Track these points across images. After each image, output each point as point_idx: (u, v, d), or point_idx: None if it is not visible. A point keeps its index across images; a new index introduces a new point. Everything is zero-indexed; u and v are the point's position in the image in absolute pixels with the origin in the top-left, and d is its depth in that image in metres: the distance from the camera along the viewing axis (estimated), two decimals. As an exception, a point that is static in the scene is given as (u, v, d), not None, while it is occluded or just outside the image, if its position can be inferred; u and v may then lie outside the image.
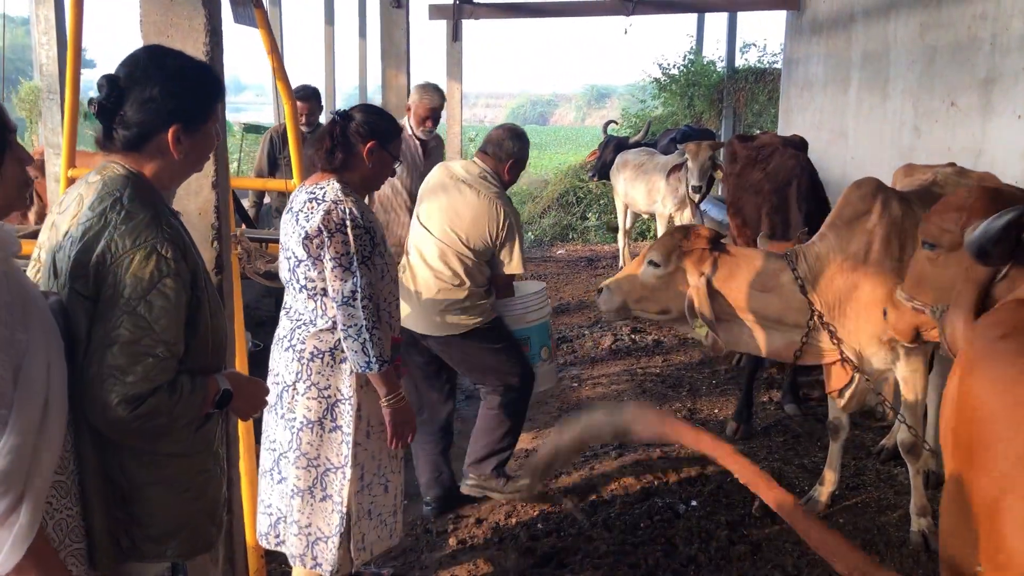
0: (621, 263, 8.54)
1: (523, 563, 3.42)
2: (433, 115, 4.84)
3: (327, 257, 2.61)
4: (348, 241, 2.61)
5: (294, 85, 5.10)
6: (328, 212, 2.62)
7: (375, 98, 8.44)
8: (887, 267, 3.34)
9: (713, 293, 3.40)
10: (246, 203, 5.86)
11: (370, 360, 2.63)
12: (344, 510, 2.74)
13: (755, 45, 13.37)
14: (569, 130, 35.64)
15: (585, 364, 6.01)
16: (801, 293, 3.37)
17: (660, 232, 8.01)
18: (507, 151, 3.78)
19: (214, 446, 2.05)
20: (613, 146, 8.77)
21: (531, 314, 3.89)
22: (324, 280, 2.65)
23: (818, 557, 3.39)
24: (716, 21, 15.69)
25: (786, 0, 9.24)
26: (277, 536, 2.83)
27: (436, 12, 9.27)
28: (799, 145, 5.30)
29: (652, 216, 8.24)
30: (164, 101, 1.87)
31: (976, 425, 1.72)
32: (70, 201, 1.91)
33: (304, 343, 2.70)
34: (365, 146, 2.75)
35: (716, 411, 5.07)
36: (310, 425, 2.71)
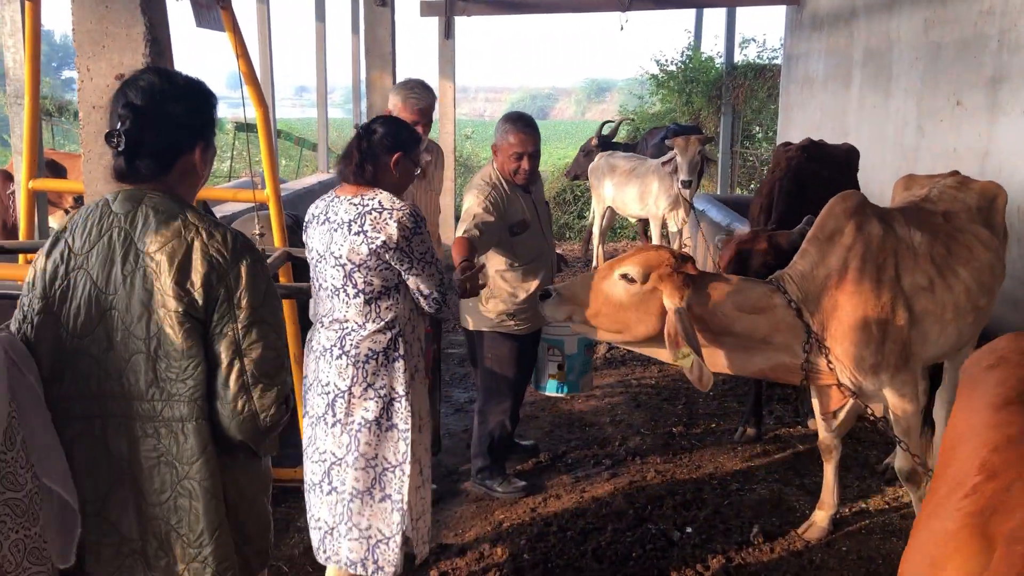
0: (595, 265, 8.37)
1: (507, 597, 3.23)
2: (423, 118, 4.02)
3: (414, 261, 2.69)
4: (425, 239, 2.71)
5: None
6: (400, 220, 2.66)
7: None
8: (866, 288, 3.14)
9: (694, 320, 3.10)
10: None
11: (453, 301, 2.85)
12: (405, 507, 2.76)
13: (754, 40, 13.10)
14: (570, 124, 35.28)
15: (578, 374, 5.78)
16: (797, 317, 3.15)
17: (654, 233, 7.82)
18: None
19: None
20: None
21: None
22: (386, 281, 2.71)
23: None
24: (715, 16, 15.49)
25: (786, -5, 9.01)
26: (325, 552, 2.84)
27: (427, 9, 9.03)
28: (845, 152, 5.26)
29: (640, 220, 8.10)
30: (189, 121, 1.88)
31: (945, 452, 1.69)
32: (87, 229, 1.84)
33: (358, 347, 2.73)
34: (392, 158, 2.79)
35: (713, 425, 4.88)
36: (368, 425, 2.73)
